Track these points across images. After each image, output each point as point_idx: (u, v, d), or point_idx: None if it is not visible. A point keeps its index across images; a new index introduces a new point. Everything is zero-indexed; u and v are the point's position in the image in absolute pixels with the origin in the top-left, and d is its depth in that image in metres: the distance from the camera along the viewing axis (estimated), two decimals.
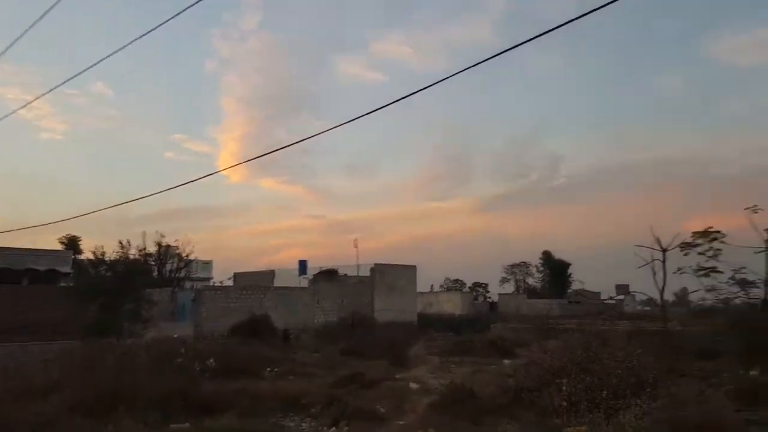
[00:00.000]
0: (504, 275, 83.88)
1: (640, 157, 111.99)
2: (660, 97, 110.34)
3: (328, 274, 39.46)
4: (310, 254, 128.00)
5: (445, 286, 77.54)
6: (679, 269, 16.18)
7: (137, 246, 23.87)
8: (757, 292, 16.29)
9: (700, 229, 16.38)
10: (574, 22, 6.91)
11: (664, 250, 15.71)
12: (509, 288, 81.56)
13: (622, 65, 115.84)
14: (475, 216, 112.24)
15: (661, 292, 16.25)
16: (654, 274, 15.91)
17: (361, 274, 40.08)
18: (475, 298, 70.41)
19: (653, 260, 15.73)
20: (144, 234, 43.46)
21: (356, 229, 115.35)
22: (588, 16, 6.76)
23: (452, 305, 56.89)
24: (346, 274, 39.13)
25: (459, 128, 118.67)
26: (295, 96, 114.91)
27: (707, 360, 16.21)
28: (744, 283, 16.43)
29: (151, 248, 41.87)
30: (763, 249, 15.78)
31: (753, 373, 13.98)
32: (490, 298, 76.27)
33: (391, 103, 9.81)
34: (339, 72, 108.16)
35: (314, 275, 39.88)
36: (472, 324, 42.78)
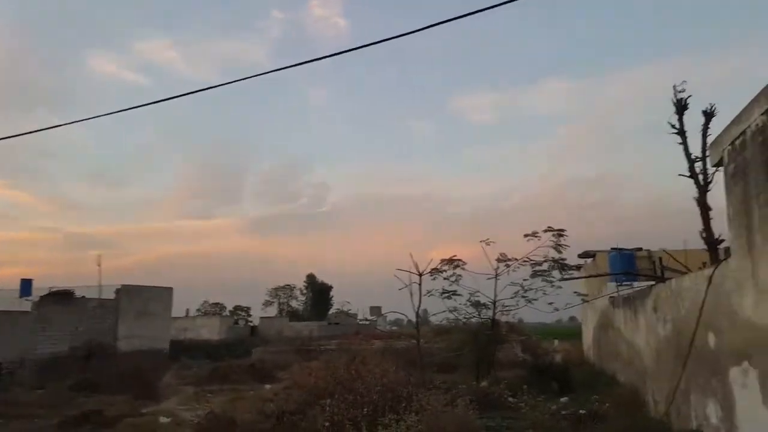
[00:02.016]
0: (268, 298, 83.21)
1: (395, 191, 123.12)
2: (416, 139, 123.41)
3: (60, 296, 33.51)
4: (37, 273, 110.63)
5: (203, 310, 73.73)
6: (428, 292, 17.69)
7: None
8: (488, 313, 18.62)
9: (443, 257, 18.29)
10: (346, 55, 6.97)
11: (420, 275, 17.04)
12: (272, 311, 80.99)
13: (387, 105, 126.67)
14: (240, 237, 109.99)
15: (417, 312, 17.56)
16: (411, 295, 17.14)
17: (104, 296, 35.51)
18: (236, 322, 68.05)
19: (411, 283, 16.95)
20: None
21: (101, 245, 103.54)
22: (360, 52, 6.89)
23: (210, 330, 53.90)
24: (84, 297, 33.92)
25: (228, 145, 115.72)
26: (32, 89, 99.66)
27: (447, 373, 17.90)
28: (478, 305, 18.65)
29: None
30: (493, 276, 18.09)
31: (483, 384, 15.80)
32: (251, 321, 74.54)
33: (147, 104, 8.81)
34: (91, 69, 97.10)
35: (41, 297, 33.57)
36: (231, 349, 41.15)
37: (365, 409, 10.21)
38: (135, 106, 8.77)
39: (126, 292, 36.07)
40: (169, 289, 40.53)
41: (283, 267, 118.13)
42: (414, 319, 18.32)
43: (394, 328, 57.55)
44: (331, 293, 76.84)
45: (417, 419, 7.71)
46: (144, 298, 37.30)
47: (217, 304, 78.89)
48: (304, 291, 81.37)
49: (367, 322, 58.15)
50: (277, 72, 7.72)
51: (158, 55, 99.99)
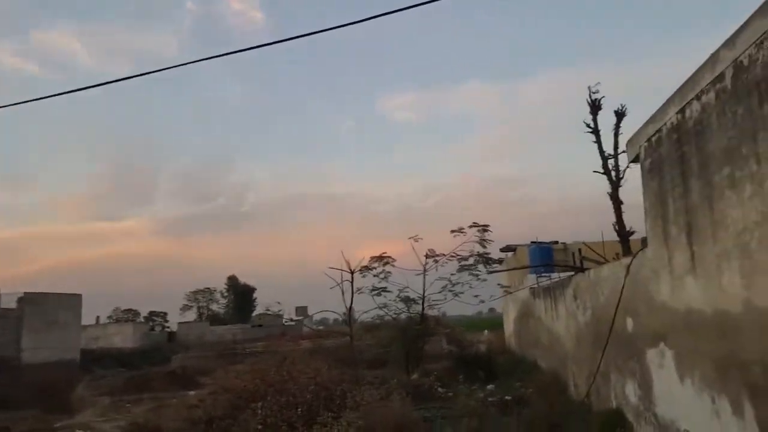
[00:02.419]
0: (186, 302, 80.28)
1: (319, 190, 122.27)
2: (339, 138, 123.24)
3: None
4: None
5: (115, 317, 70.09)
6: (358, 289, 17.74)
7: None
8: (417, 308, 18.94)
9: (371, 254, 18.43)
10: (266, 50, 6.85)
11: (352, 272, 17.03)
12: (191, 316, 78.12)
13: (309, 103, 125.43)
14: (154, 239, 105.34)
15: (350, 309, 17.53)
16: (343, 293, 17.11)
17: (4, 305, 32.94)
18: (152, 329, 65.22)
19: (343, 281, 16.89)
20: None
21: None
22: (281, 47, 6.79)
23: (123, 338, 51.26)
24: None
25: (139, 143, 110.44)
26: None
27: (378, 368, 18.03)
28: (407, 301, 18.93)
29: None
30: (421, 272, 18.43)
31: (414, 376, 16.05)
32: (169, 327, 71.54)
33: (48, 97, 8.13)
34: None
35: None
36: (148, 357, 39.43)
37: (299, 410, 10.11)
38: (35, 98, 8.08)
39: (29, 300, 33.67)
40: (78, 296, 38.21)
41: (201, 270, 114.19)
42: (344, 317, 18.29)
43: (321, 327, 57.22)
44: (255, 295, 75.19)
45: (357, 416, 7.71)
46: (50, 307, 34.99)
47: (130, 310, 75.33)
48: (226, 294, 79.08)
49: (293, 323, 57.43)
50: (192, 66, 7.44)
51: (61, 46, 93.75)
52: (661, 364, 7.36)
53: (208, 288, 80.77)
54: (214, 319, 71.80)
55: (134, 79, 7.42)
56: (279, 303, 69.00)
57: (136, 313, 74.82)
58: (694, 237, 6.12)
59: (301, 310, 51.55)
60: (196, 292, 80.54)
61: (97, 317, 60.78)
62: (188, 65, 7.25)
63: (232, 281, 76.11)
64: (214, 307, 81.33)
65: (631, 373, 8.73)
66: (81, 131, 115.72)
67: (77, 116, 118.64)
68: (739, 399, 5.24)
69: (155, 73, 7.25)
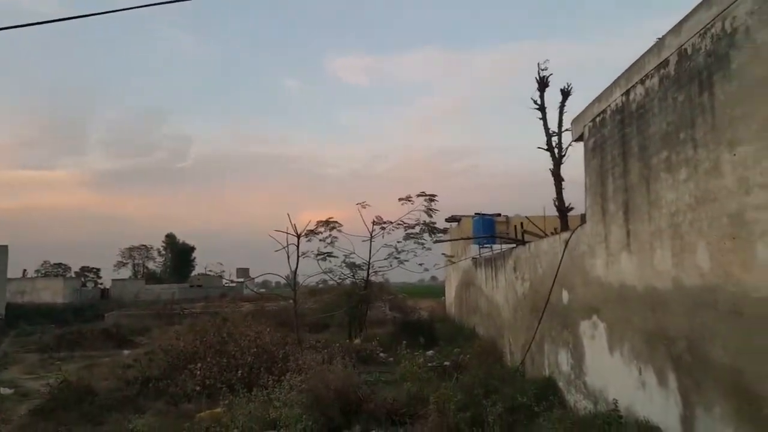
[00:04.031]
0: (121, 259, 77.90)
1: (264, 150, 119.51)
2: (287, 96, 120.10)
3: None
4: None
5: (44, 271, 67.31)
6: (303, 253, 17.64)
7: None
8: (362, 274, 19.09)
9: (316, 218, 18.35)
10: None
11: (298, 236, 16.91)
12: (126, 273, 75.97)
13: (251, 59, 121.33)
14: (86, 191, 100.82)
15: (294, 273, 17.45)
16: (288, 257, 16.98)
17: None
18: (84, 285, 63.04)
19: (288, 244, 16.74)
20: None
21: None
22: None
23: (53, 293, 49.31)
24: None
25: (71, 89, 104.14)
26: None
27: (320, 332, 18.20)
28: (352, 266, 19.04)
29: None
30: (368, 238, 18.51)
31: (357, 341, 16.29)
32: (102, 284, 69.26)
33: None
34: None
35: None
36: (79, 313, 38.22)
37: (240, 372, 10.09)
38: None
39: None
40: (3, 248, 36.44)
41: (138, 226, 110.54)
42: (288, 281, 18.23)
43: (263, 290, 56.80)
44: (194, 254, 73.76)
45: (300, 379, 7.78)
46: None
47: (60, 264, 72.41)
48: (163, 252, 77.24)
49: (234, 285, 56.80)
50: (132, 11, 6.97)
51: None
52: (593, 335, 7.75)
53: (145, 245, 78.73)
54: (151, 278, 70.12)
55: (66, 21, 6.84)
56: (221, 264, 68.09)
57: (67, 268, 72.05)
58: (631, 215, 6.40)
59: (243, 272, 50.87)
60: (131, 249, 78.32)
61: (24, 270, 58.42)
62: (127, 11, 6.78)
63: (170, 239, 74.35)
64: (151, 265, 79.48)
65: (565, 343, 9.15)
66: (6, 73, 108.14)
67: (2, 58, 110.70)
68: (664, 370, 5.59)
69: (90, 17, 6.76)
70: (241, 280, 60.58)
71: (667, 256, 5.46)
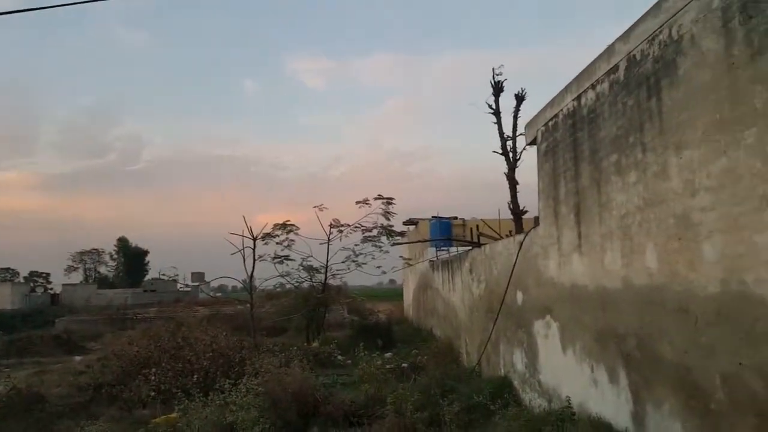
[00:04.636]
0: (71, 263, 75.37)
1: (219, 152, 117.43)
2: (243, 98, 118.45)
3: None
4: None
5: None
6: (260, 256, 17.43)
7: None
8: (320, 277, 18.98)
9: (273, 221, 18.13)
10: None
11: (254, 239, 16.67)
12: (77, 278, 73.53)
13: (207, 58, 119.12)
14: (36, 194, 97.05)
15: (251, 276, 17.18)
16: (244, 260, 16.71)
17: None
18: (33, 290, 60.70)
19: (245, 247, 16.48)
20: None
21: None
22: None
23: (0, 299, 47.46)
24: None
25: (16, 87, 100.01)
26: None
27: (277, 336, 17.99)
28: (310, 269, 18.90)
29: None
30: (325, 241, 18.42)
31: (314, 344, 16.18)
32: (52, 289, 66.83)
33: None
34: None
35: None
36: (28, 319, 36.79)
37: (196, 376, 9.89)
38: None
39: None
40: None
41: (89, 229, 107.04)
42: (244, 284, 17.96)
43: (218, 294, 55.78)
44: (147, 258, 71.93)
45: (257, 382, 7.67)
46: None
47: (7, 269, 69.59)
48: (115, 256, 75.07)
49: (189, 289, 55.57)
50: (84, 6, 6.75)
51: None
52: (547, 335, 7.91)
53: (96, 249, 76.42)
54: (103, 283, 68.10)
55: (13, 15, 6.57)
56: (175, 268, 66.54)
57: (15, 273, 69.29)
58: (582, 218, 6.56)
59: (198, 276, 49.76)
60: (82, 253, 75.92)
61: None
62: (78, 5, 6.53)
63: (123, 243, 72.38)
64: (103, 269, 77.30)
65: (519, 343, 9.31)
66: None
67: None
68: (615, 368, 5.75)
69: (39, 10, 6.50)
70: (196, 284, 59.46)
71: (617, 256, 5.62)
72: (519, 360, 9.33)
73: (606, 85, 5.87)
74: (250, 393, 7.25)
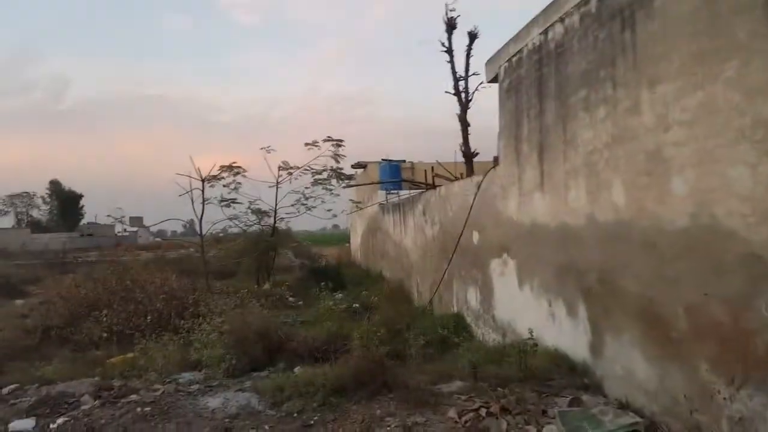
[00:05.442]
0: (1, 207, 71.49)
1: (150, 91, 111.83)
2: (171, 38, 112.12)
3: None
4: None
5: None
6: (206, 200, 16.86)
7: None
8: (269, 221, 18.62)
9: (215, 163, 17.48)
10: None
11: (203, 181, 16.07)
12: (8, 222, 70.05)
13: None
14: None
15: (200, 219, 16.65)
16: (192, 202, 16.12)
17: None
18: None
19: (192, 189, 15.86)
20: None
21: None
22: None
23: None
24: None
25: None
26: None
27: (226, 279, 17.73)
28: (259, 213, 18.49)
29: None
30: (274, 184, 18.00)
31: (266, 286, 16.06)
32: None
33: None
34: None
35: None
36: None
37: (149, 318, 9.68)
38: None
39: None
40: None
41: (18, 172, 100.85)
42: (187, 227, 17.46)
43: (158, 239, 54.37)
44: (82, 202, 68.99)
45: (221, 321, 7.57)
46: None
47: None
48: (48, 199, 71.60)
49: (127, 234, 53.89)
50: None
51: None
52: (503, 272, 8.08)
53: (27, 192, 72.48)
54: (36, 227, 65.02)
55: None
56: (120, 209, 63.92)
57: None
58: (546, 156, 6.59)
59: (136, 221, 48.21)
60: (12, 197, 71.93)
61: None
62: None
63: (55, 186, 69.04)
64: (35, 213, 73.63)
65: (474, 281, 9.51)
66: None
67: None
68: (573, 302, 5.92)
69: None
70: (135, 229, 57.67)
71: (582, 194, 5.68)
72: (473, 297, 9.56)
73: (576, 17, 5.76)
74: (214, 331, 7.15)
